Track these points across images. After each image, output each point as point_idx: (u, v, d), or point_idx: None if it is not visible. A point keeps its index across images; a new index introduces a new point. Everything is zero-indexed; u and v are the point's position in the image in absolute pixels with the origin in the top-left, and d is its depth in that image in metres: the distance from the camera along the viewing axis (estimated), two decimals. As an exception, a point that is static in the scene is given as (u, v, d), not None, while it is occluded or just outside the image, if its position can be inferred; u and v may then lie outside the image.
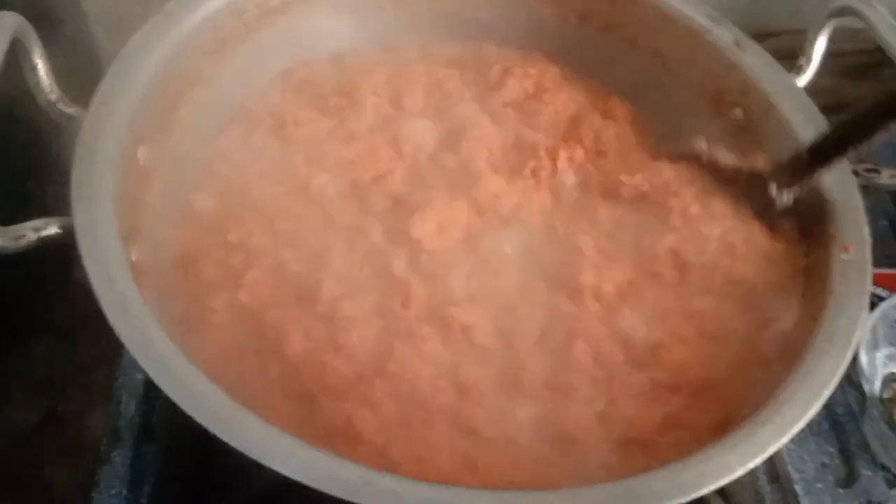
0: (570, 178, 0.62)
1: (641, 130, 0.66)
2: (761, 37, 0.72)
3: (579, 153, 0.63)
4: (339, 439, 0.48)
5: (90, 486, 0.58)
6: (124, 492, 0.57)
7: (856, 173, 0.58)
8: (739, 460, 0.43)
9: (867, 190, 0.59)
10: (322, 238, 0.56)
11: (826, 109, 0.66)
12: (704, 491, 0.41)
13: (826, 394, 0.45)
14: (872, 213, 0.72)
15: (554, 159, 0.62)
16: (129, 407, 0.61)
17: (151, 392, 0.62)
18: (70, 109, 0.54)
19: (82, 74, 0.55)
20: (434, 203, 0.57)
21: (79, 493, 0.60)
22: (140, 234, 0.53)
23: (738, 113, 0.64)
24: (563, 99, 0.66)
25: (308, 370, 0.50)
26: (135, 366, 0.52)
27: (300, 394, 0.50)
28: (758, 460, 0.42)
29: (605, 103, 0.67)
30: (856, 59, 0.96)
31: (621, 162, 0.63)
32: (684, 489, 0.41)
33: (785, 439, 0.43)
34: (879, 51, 0.62)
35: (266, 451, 0.39)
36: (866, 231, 0.55)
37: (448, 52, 0.70)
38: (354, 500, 0.39)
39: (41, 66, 0.53)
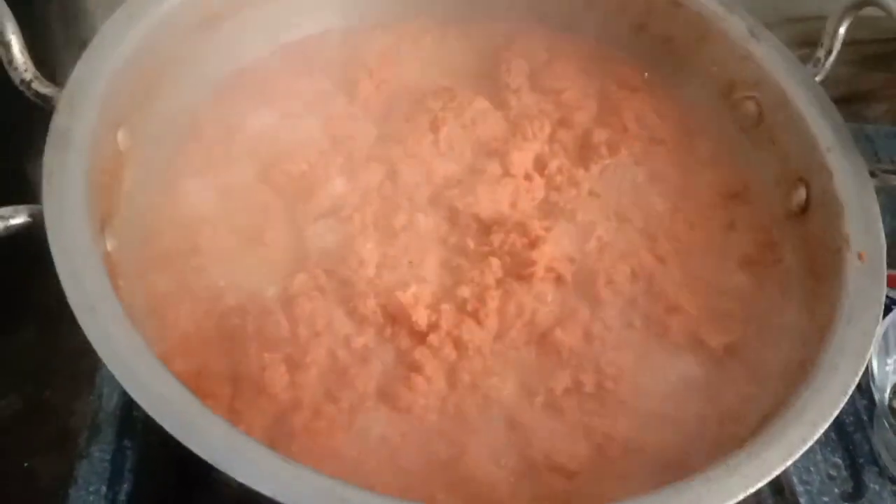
0: None
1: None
2: (779, 22, 0.69)
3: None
4: (245, 384, 0.47)
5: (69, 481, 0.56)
6: (103, 489, 0.55)
7: (873, 174, 0.55)
8: (742, 483, 0.40)
9: (880, 189, 0.56)
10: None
11: (840, 100, 0.63)
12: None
13: (834, 413, 0.43)
14: (886, 210, 0.69)
15: None
16: (110, 399, 0.59)
17: (135, 384, 0.60)
18: (47, 90, 0.50)
19: (63, 52, 0.53)
20: None
21: (63, 483, 0.58)
22: (115, 223, 0.51)
23: (750, 106, 0.61)
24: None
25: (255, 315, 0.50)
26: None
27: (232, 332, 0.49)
28: (760, 484, 0.40)
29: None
30: (871, 49, 0.93)
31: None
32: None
33: (789, 462, 0.41)
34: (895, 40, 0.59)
35: (231, 461, 0.37)
36: (882, 238, 0.52)
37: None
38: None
39: (15, 42, 0.50)
